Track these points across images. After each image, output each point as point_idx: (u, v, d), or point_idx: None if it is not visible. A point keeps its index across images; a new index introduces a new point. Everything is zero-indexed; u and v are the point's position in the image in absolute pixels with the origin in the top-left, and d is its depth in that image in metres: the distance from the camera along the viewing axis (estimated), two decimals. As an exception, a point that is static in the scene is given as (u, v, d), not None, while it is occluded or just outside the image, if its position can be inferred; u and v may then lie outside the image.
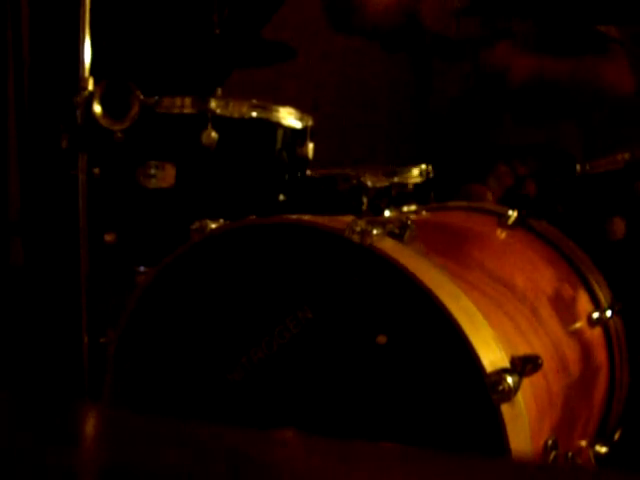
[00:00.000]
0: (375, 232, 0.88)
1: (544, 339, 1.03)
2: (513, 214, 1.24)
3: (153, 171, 1.32)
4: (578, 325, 1.15)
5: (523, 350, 0.91)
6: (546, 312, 1.08)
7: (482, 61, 1.76)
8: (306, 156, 1.45)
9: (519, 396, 0.82)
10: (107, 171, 1.35)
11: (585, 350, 1.12)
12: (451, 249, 1.11)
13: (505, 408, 0.81)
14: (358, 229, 0.88)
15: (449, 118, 1.92)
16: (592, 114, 2.00)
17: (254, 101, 1.38)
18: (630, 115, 2.01)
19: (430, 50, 1.90)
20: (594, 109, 1.97)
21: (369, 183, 1.35)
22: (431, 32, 1.83)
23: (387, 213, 1.30)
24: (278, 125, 1.42)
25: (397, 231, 0.94)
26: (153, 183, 1.33)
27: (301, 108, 1.45)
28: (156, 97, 1.33)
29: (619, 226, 1.33)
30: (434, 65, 1.96)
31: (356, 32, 2.01)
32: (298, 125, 1.44)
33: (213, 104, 1.32)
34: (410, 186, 1.42)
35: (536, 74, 1.80)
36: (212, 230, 0.99)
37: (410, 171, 1.43)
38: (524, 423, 0.83)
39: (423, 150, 1.97)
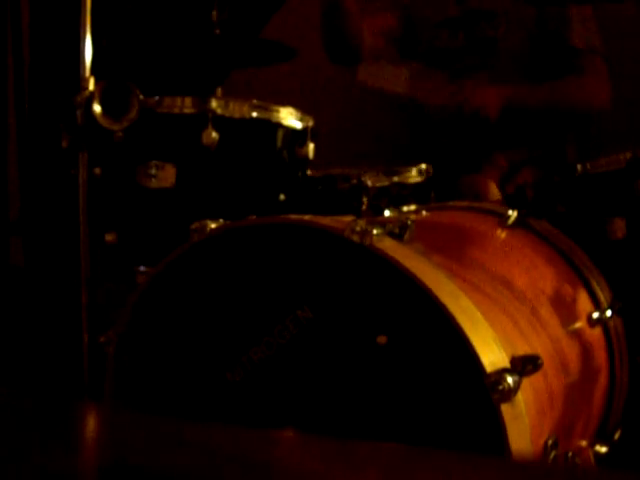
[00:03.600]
0: (375, 232, 0.88)
1: (544, 339, 1.03)
2: (513, 214, 1.24)
3: (153, 171, 1.32)
4: (578, 325, 1.15)
5: (523, 350, 0.91)
6: (546, 312, 1.08)
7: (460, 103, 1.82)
8: (306, 156, 1.45)
9: (519, 396, 0.82)
10: (107, 171, 1.35)
11: (585, 350, 1.12)
12: (451, 249, 1.10)
13: (505, 408, 0.81)
14: (358, 229, 0.88)
15: (442, 123, 1.94)
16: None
17: (255, 101, 1.38)
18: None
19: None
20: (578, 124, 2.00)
21: (369, 183, 1.35)
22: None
23: (387, 213, 1.30)
24: (278, 125, 1.42)
25: (397, 231, 0.94)
26: (153, 183, 1.33)
27: (302, 108, 1.45)
28: (156, 97, 1.34)
29: (619, 226, 1.33)
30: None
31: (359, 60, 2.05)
32: (298, 125, 1.44)
33: (213, 104, 1.32)
34: (410, 185, 1.42)
35: (511, 102, 1.85)
36: (212, 230, 0.99)
37: (410, 171, 1.42)
38: (524, 423, 0.83)
39: (420, 149, 1.98)
